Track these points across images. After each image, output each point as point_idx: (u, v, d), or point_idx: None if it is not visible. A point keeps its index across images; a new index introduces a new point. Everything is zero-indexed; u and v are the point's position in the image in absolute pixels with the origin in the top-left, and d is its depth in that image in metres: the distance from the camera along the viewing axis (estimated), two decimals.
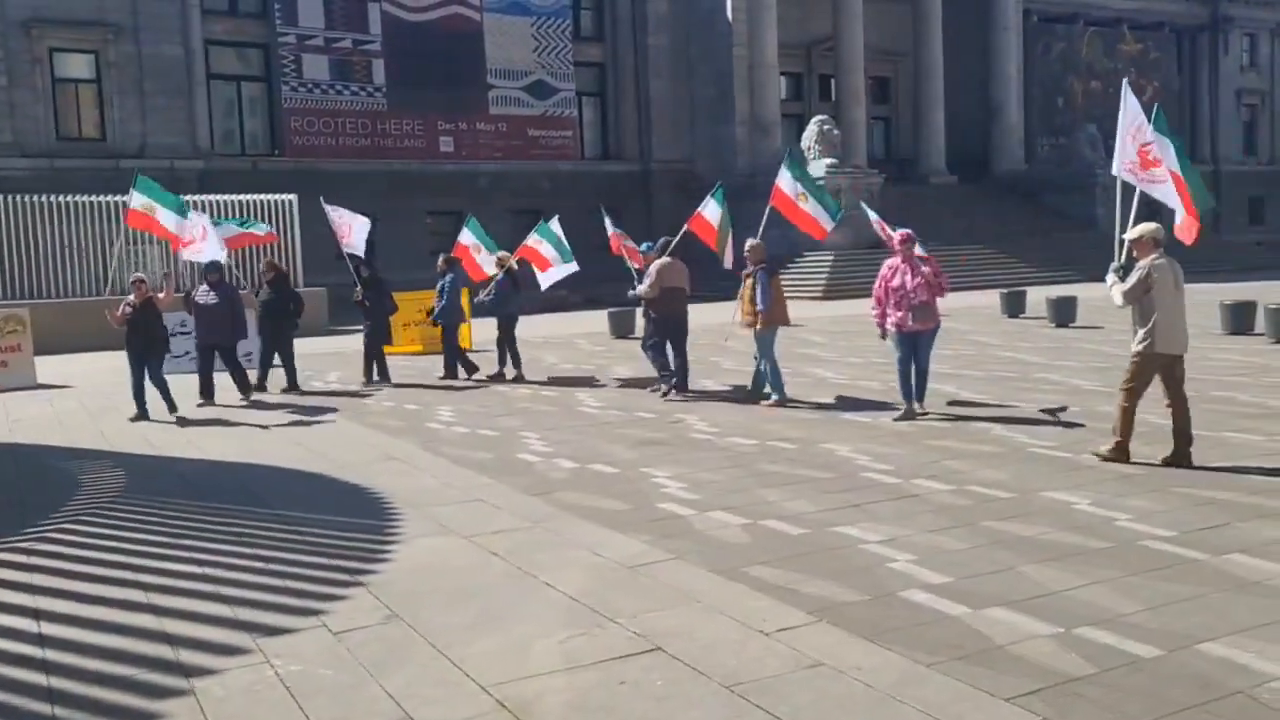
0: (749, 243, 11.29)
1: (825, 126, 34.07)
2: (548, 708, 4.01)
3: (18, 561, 6.19)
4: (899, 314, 9.66)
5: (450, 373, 14.12)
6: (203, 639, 4.83)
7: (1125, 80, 9.89)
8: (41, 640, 4.89)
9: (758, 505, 6.93)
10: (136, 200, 13.61)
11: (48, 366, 15.84)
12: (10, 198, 23.48)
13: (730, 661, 4.40)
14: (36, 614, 5.25)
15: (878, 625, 4.75)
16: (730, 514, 6.73)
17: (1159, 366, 7.63)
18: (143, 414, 11.38)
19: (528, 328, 21.34)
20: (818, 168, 33.30)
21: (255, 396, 12.72)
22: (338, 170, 34.18)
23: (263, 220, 24.47)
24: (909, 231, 9.95)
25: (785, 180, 12.40)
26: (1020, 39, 43.33)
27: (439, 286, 14.30)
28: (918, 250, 9.89)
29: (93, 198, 24.09)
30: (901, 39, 41.93)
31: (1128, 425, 7.76)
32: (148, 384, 11.42)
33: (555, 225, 14.76)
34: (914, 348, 9.81)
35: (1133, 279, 7.58)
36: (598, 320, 20.95)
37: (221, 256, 13.29)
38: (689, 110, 38.96)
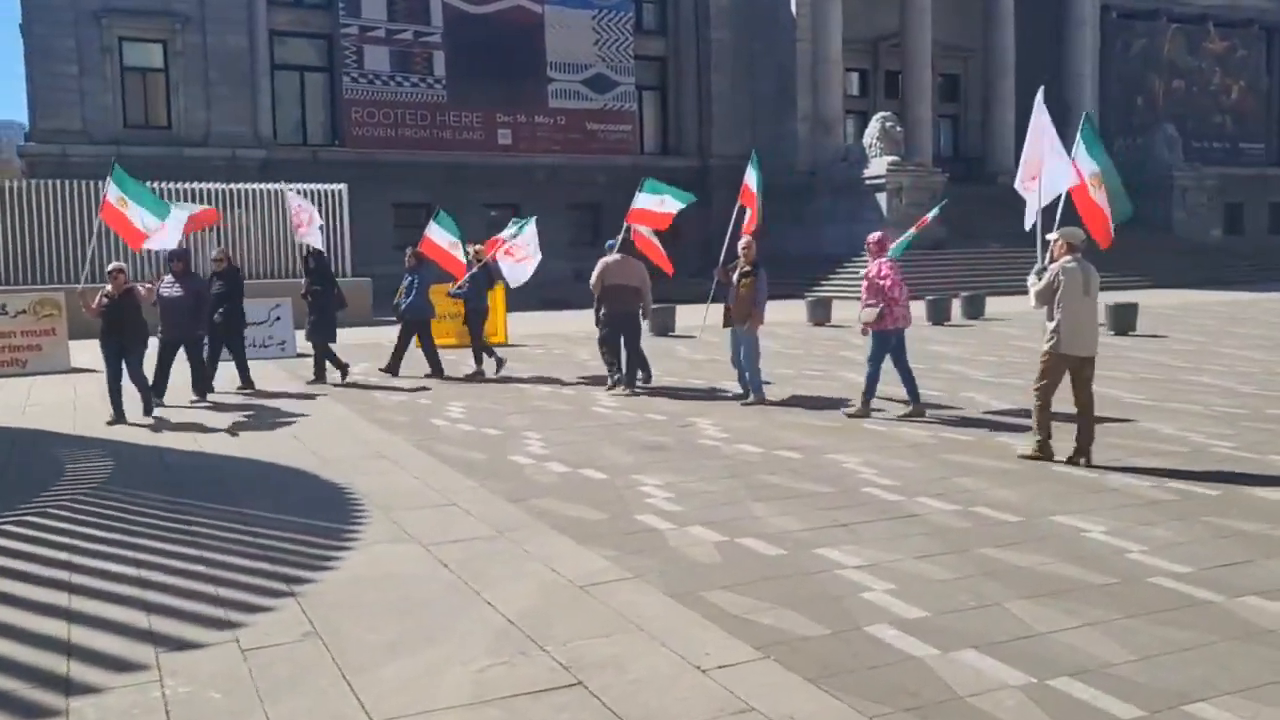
0: (743, 241, 11.17)
1: (888, 124, 33.20)
2: None
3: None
4: (901, 312, 9.98)
5: (436, 370, 13.67)
6: (104, 651, 4.52)
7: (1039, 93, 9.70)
8: None
9: (741, 521, 6.45)
10: (112, 193, 12.30)
11: (88, 352, 15.84)
12: (75, 183, 23.75)
13: (652, 702, 3.95)
14: None
15: (830, 665, 4.26)
16: (708, 529, 6.27)
17: (1067, 366, 7.89)
18: (119, 417, 10.52)
19: (567, 323, 21.16)
20: (878, 165, 32.48)
21: (211, 398, 11.91)
22: (396, 161, 34.28)
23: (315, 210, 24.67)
24: (884, 234, 10.44)
25: (752, 179, 12.85)
26: (1097, 35, 41.83)
27: (407, 283, 13.76)
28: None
29: (157, 184, 24.11)
30: (971, 34, 40.73)
31: (1045, 423, 7.99)
32: (123, 383, 10.66)
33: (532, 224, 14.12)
34: (898, 348, 10.17)
35: (1043, 280, 7.87)
36: None
37: (176, 242, 12.16)
38: (750, 106, 38.33)
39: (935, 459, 8.19)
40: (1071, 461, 7.83)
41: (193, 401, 11.68)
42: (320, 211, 24.63)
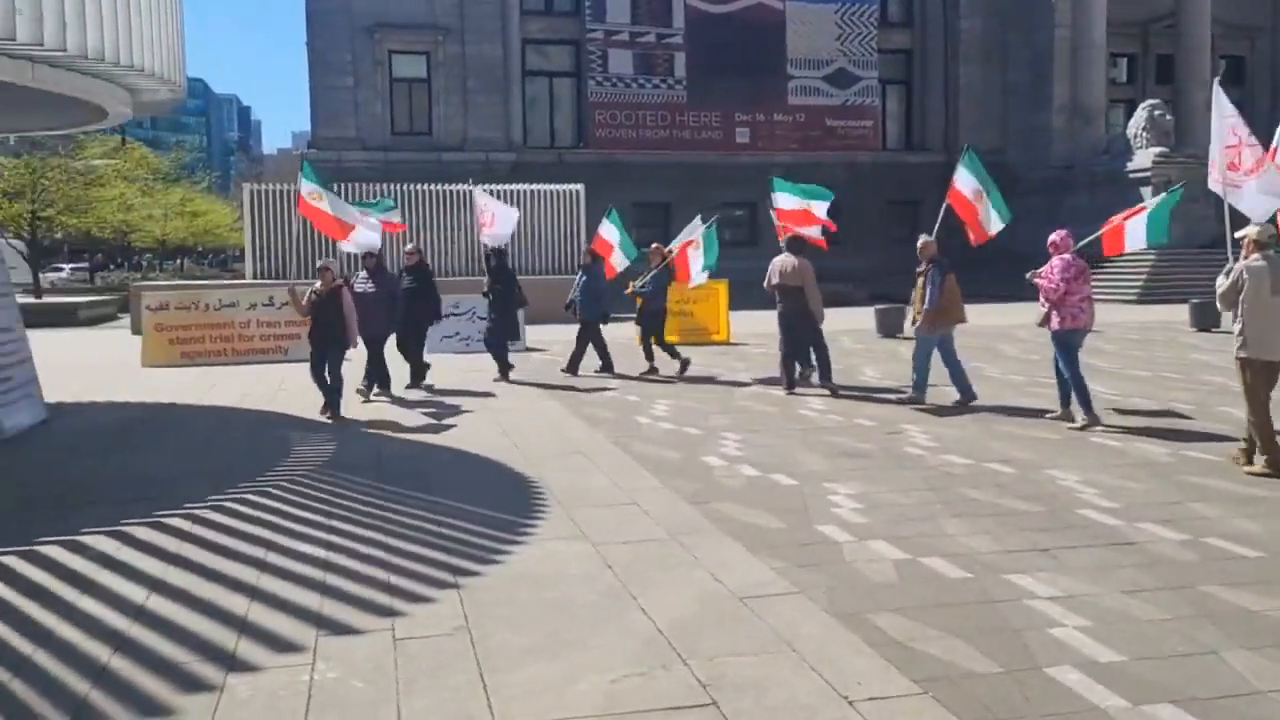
0: (920, 239, 10.84)
1: (1156, 112, 30.63)
2: None
3: (178, 528, 6.46)
4: (1072, 313, 9.52)
5: (607, 366, 13.77)
6: (272, 631, 4.72)
7: (1216, 80, 9.26)
8: (139, 613, 4.97)
9: (929, 538, 6.00)
10: (306, 188, 12.40)
11: None
12: (348, 186, 25.64)
13: None
14: (155, 585, 5.39)
15: (995, 708, 3.83)
16: (891, 545, 5.86)
17: (1259, 371, 7.47)
18: (334, 408, 10.63)
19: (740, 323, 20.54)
20: (1143, 157, 30.01)
21: (395, 393, 12.11)
22: (636, 162, 34.94)
23: (553, 208, 25.48)
24: (1066, 232, 9.80)
25: (963, 178, 11.53)
26: None
27: (580, 280, 13.85)
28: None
29: (418, 186, 25.62)
30: (1258, 11, 36.93)
31: (1268, 436, 7.50)
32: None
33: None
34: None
35: (1227, 280, 7.51)
36: (868, 317, 19.89)
37: (376, 244, 12.16)
38: (1001, 97, 36.46)
39: (1170, 480, 7.36)
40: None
41: (375, 395, 11.96)
42: (560, 211, 25.62)
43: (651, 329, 13.83)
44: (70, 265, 61.91)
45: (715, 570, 5.47)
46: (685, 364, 13.59)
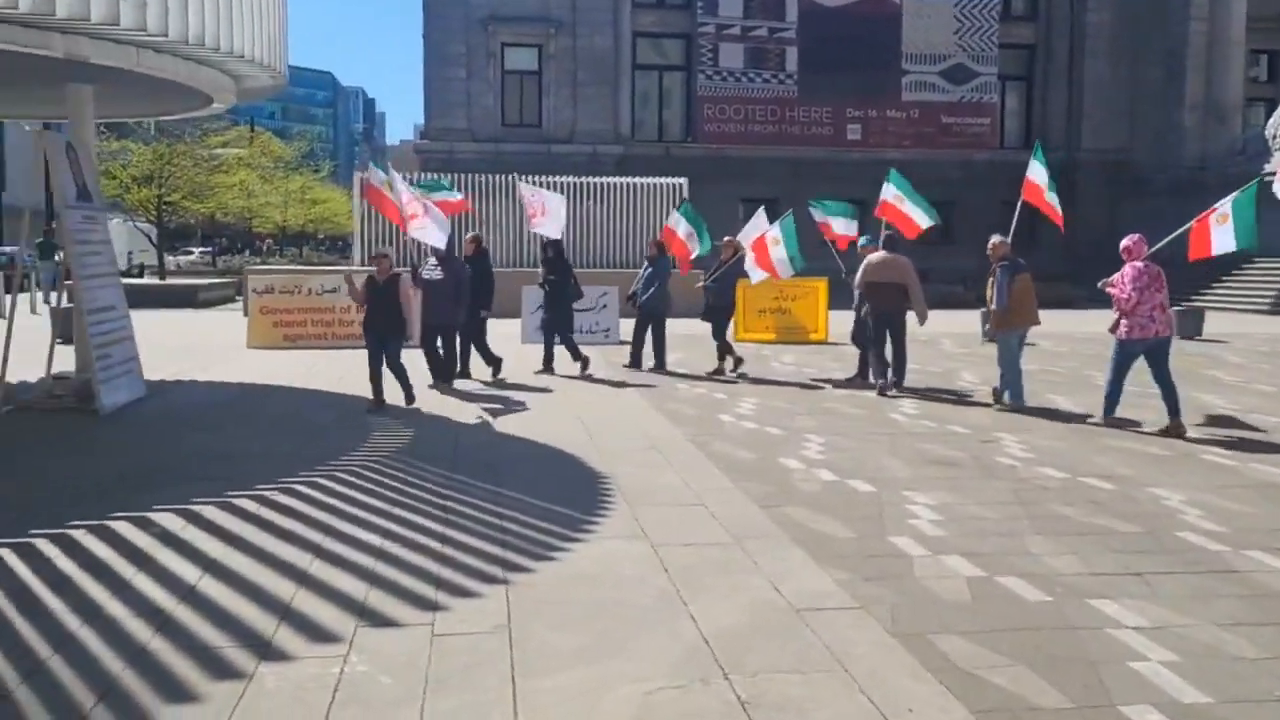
0: (992, 240, 10.60)
1: None
2: None
3: (243, 509, 6.49)
4: (1141, 322, 9.25)
5: (658, 364, 13.48)
6: (313, 620, 4.64)
7: None
8: (188, 594, 4.96)
9: (1009, 556, 5.62)
10: (377, 177, 12.38)
11: None
12: (456, 177, 25.99)
13: None
14: (209, 565, 5.39)
15: None
16: (966, 561, 5.51)
17: None
18: (380, 403, 10.29)
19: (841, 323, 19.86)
20: None
21: (457, 384, 11.88)
22: (743, 156, 34.54)
23: (656, 202, 25.31)
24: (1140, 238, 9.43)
25: (1036, 171, 11.70)
26: None
27: (645, 273, 13.52)
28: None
29: (527, 178, 25.74)
30: None
31: None
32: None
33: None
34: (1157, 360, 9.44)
35: None
36: (972, 319, 19.18)
37: (442, 240, 11.66)
38: (1129, 95, 34.90)
39: None
40: None
41: (447, 385, 11.69)
42: (664, 205, 25.42)
43: (717, 324, 13.41)
44: (200, 249, 64.51)
45: (775, 578, 5.21)
46: (738, 362, 13.27)
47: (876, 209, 13.17)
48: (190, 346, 16.44)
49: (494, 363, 12.64)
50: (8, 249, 35.52)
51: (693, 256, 14.13)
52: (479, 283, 12.17)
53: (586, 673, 4.09)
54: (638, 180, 25.40)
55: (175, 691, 3.92)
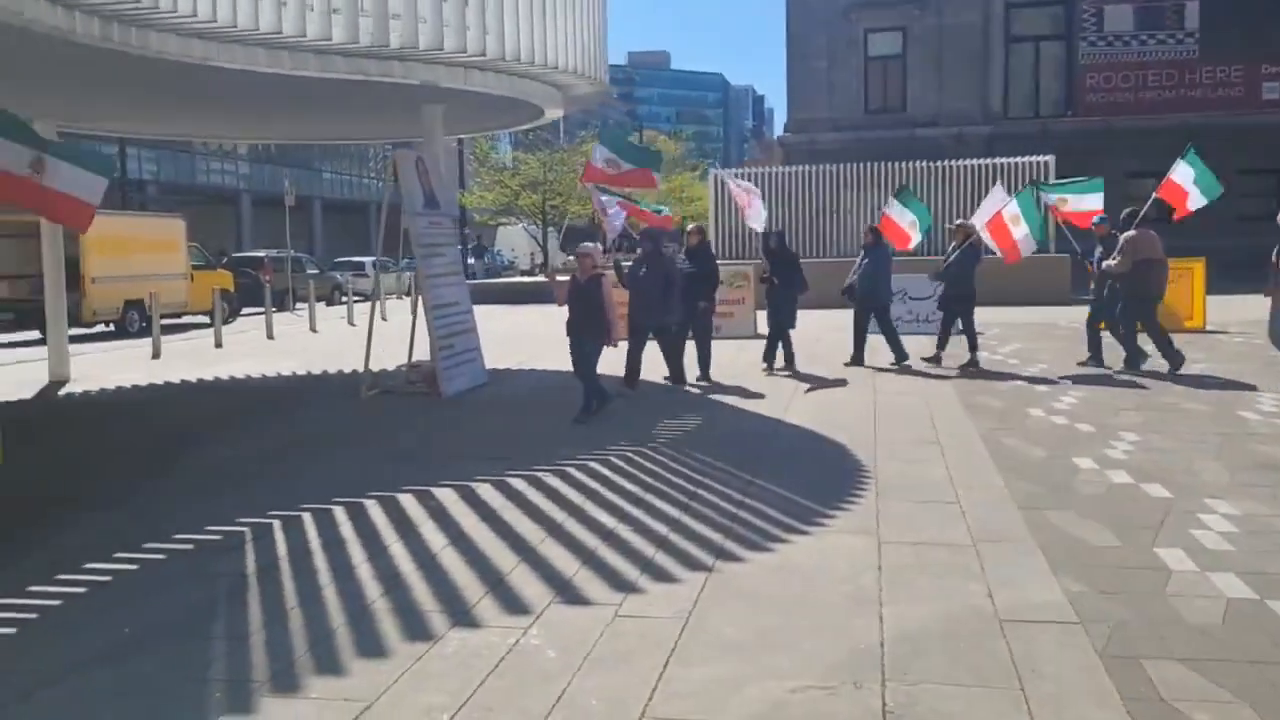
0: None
1: None
2: None
3: (511, 486, 6.98)
4: None
5: (855, 357, 12.65)
6: (516, 593, 4.92)
7: None
8: (427, 561, 5.44)
9: None
10: (599, 155, 11.86)
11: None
12: (820, 167, 26.24)
13: None
14: (457, 537, 5.87)
15: None
16: (1241, 582, 4.74)
17: None
18: (589, 406, 9.47)
19: (1225, 310, 17.22)
20: None
21: (689, 385, 11.40)
22: (1131, 128, 31.48)
23: (1020, 182, 23.76)
24: None
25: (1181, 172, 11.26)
26: None
27: (860, 261, 12.58)
28: None
29: (891, 164, 25.42)
30: None
31: None
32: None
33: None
34: None
35: None
36: None
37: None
38: None
39: None
40: None
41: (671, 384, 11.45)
42: (1025, 184, 23.78)
43: (955, 312, 12.36)
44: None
45: (996, 585, 4.79)
46: (974, 362, 12.15)
47: (1159, 189, 11.83)
48: (543, 336, 17.76)
49: (704, 364, 11.84)
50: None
51: (912, 245, 13.36)
52: (702, 278, 11.46)
53: (740, 666, 4.02)
54: (997, 160, 24.06)
55: (371, 647, 4.34)
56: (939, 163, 24.73)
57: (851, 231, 24.95)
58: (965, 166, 24.55)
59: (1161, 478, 6.76)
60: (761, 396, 10.72)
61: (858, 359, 12.71)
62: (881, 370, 12.29)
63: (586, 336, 9.43)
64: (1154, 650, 4.02)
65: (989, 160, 24.09)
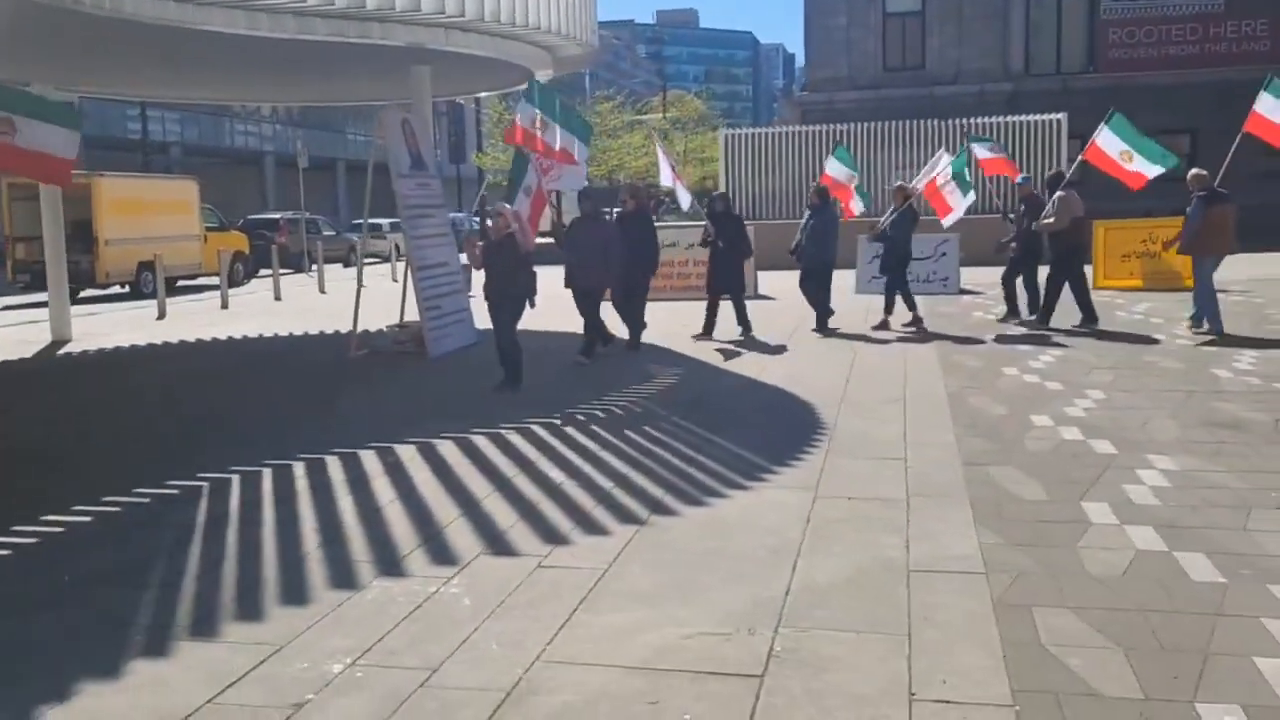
0: (1191, 171, 10.78)
1: None
2: (533, 707, 3.43)
3: (471, 443, 7.12)
4: None
5: (820, 326, 12.27)
6: (449, 545, 5.05)
7: None
8: (373, 514, 5.60)
9: (1217, 531, 4.81)
10: (524, 115, 11.03)
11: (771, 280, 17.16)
12: (834, 126, 26.06)
13: None
14: (406, 492, 6.02)
15: None
16: (1156, 535, 4.80)
17: None
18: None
19: (1240, 268, 16.89)
20: None
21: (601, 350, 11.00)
22: (1151, 84, 30.90)
23: (1029, 141, 23.49)
24: None
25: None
26: None
27: (805, 223, 12.16)
28: None
29: (905, 122, 25.24)
30: None
31: None
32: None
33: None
34: None
35: None
36: None
37: (579, 183, 10.96)
38: None
39: None
40: None
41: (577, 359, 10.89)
42: (1037, 144, 23.55)
43: (895, 274, 12.22)
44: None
45: (915, 538, 4.89)
46: (918, 320, 12.15)
47: (1085, 152, 11.63)
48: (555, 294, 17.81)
49: (638, 332, 11.54)
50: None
51: (858, 210, 13.75)
52: (640, 244, 10.95)
53: (645, 614, 4.14)
54: (1008, 119, 23.81)
55: (295, 595, 4.50)
56: (955, 120, 24.45)
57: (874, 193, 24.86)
58: (977, 125, 24.25)
59: (1112, 434, 6.80)
60: (740, 355, 10.81)
61: (823, 325, 12.19)
62: (861, 338, 12.31)
63: (503, 299, 9.10)
64: (1048, 600, 4.11)
65: (998, 118, 23.82)
